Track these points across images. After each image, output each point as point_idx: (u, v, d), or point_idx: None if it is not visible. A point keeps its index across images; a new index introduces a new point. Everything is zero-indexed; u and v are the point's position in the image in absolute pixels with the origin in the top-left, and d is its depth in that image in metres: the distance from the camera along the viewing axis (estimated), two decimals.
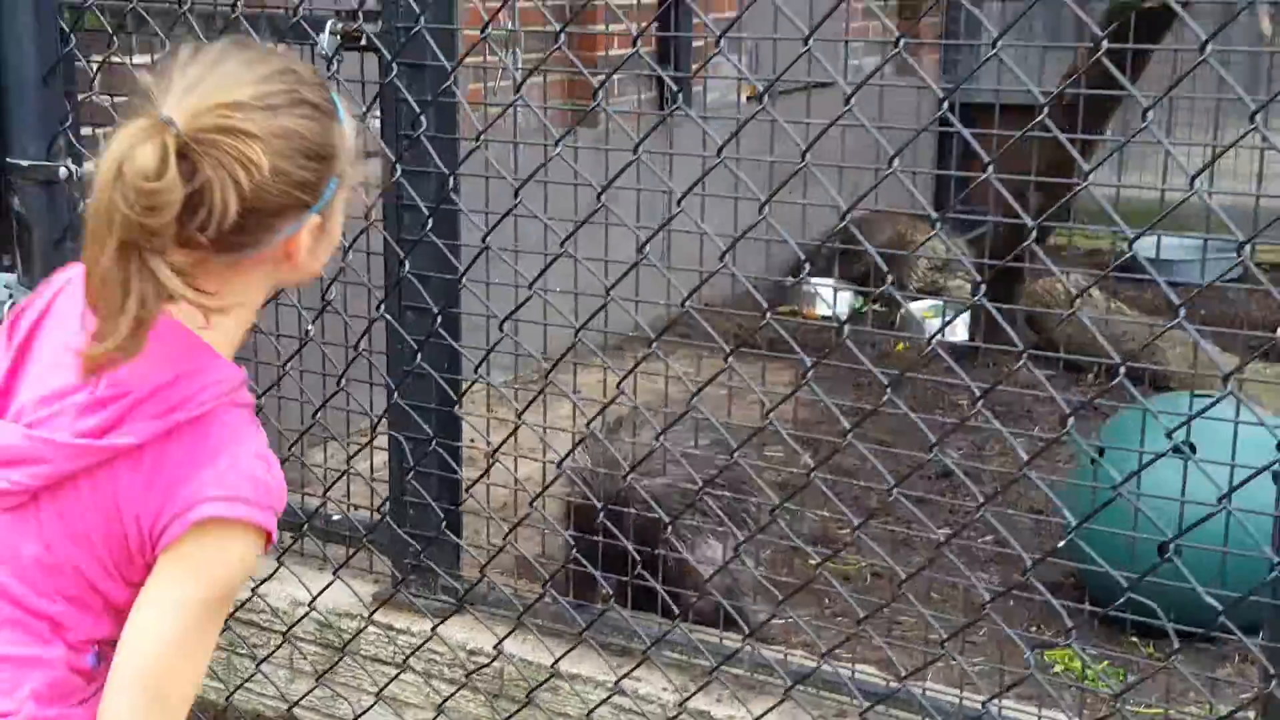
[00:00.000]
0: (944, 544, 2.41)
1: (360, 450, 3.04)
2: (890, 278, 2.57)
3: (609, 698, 2.77)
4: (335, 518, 3.16)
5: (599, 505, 2.78)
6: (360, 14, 2.84)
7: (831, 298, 5.70)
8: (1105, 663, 3.06)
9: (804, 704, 2.63)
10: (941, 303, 5.62)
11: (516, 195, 2.66)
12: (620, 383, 2.60)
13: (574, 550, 2.92)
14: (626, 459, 2.80)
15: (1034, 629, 3.26)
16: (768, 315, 2.42)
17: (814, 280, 5.81)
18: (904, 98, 6.30)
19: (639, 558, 2.77)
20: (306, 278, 1.69)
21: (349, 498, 3.14)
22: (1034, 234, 2.18)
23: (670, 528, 2.74)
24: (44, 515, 1.58)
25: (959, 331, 5.38)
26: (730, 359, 2.48)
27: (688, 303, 2.52)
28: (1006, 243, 4.51)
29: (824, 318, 5.53)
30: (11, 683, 1.58)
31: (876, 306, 5.71)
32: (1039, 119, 2.12)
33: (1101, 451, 3.13)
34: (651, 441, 2.78)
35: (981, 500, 2.42)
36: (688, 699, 2.68)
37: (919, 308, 5.67)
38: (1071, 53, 4.78)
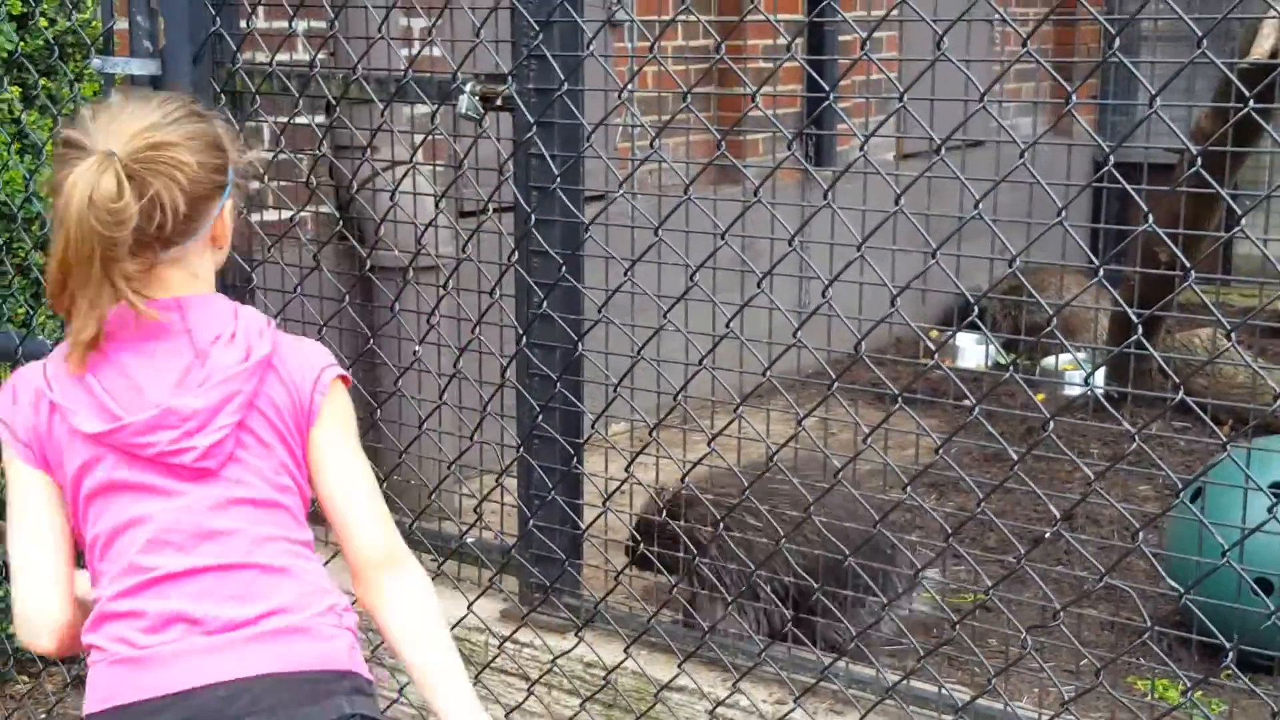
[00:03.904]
0: (1018, 564, 2.54)
1: (492, 490, 3.28)
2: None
3: (715, 709, 2.95)
4: (470, 540, 3.42)
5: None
6: (498, 77, 3.13)
7: (973, 350, 5.81)
8: (1200, 693, 3.13)
9: (894, 717, 2.78)
10: (1082, 355, 5.68)
11: (657, 233, 2.88)
12: (715, 435, 2.80)
13: (673, 589, 3.13)
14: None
15: (1136, 661, 3.34)
16: (855, 353, 2.59)
17: (958, 333, 5.96)
18: (1056, 157, 6.42)
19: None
20: (225, 257, 2.07)
21: (480, 529, 3.39)
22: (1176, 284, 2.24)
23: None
24: (249, 448, 1.94)
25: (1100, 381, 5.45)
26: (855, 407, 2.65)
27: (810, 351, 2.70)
28: (1145, 295, 4.61)
29: (964, 370, 5.64)
30: (324, 584, 1.99)
31: (1020, 359, 5.79)
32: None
33: (1200, 491, 3.23)
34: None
35: (1055, 524, 2.52)
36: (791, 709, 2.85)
37: (1061, 360, 5.74)
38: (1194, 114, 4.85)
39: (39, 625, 1.95)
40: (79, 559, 1.99)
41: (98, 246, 1.81)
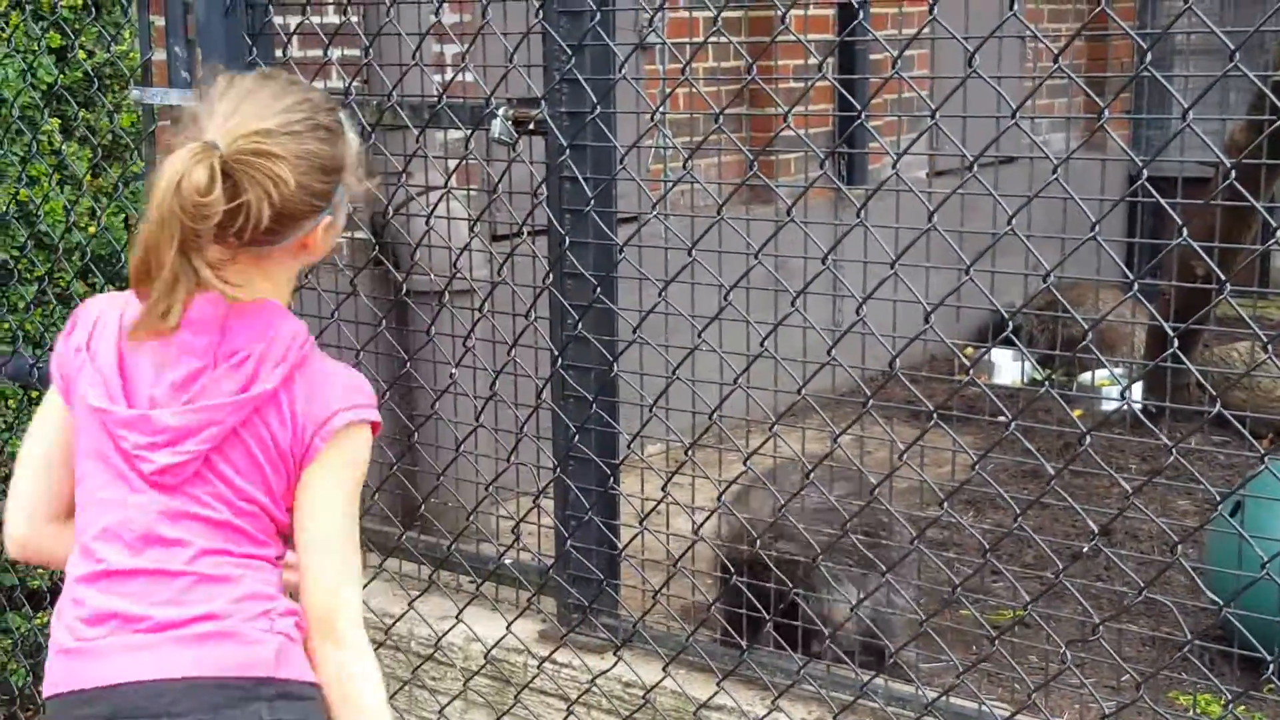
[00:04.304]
0: (1056, 578, 2.53)
1: (529, 511, 3.30)
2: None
3: None
4: (508, 561, 3.44)
5: (733, 568, 2.99)
6: (530, 101, 3.15)
7: (1010, 367, 5.80)
8: (1242, 707, 3.11)
9: None
10: (1119, 370, 5.66)
11: (691, 253, 2.90)
12: (753, 450, 2.81)
13: (711, 608, 3.13)
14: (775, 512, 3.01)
15: (1178, 676, 3.32)
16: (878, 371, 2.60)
17: (995, 350, 5.95)
18: (1090, 172, 6.41)
19: (772, 609, 2.98)
20: (319, 261, 2.07)
21: (518, 550, 3.40)
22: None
23: (804, 576, 2.93)
24: (218, 473, 1.94)
25: (1138, 396, 5.43)
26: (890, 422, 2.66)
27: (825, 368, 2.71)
28: (1181, 309, 4.60)
29: (1001, 387, 5.63)
30: (262, 590, 1.97)
31: (1056, 376, 5.79)
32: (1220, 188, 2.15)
33: (1239, 505, 3.21)
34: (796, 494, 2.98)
35: (1093, 537, 2.52)
36: None
37: (1097, 376, 5.72)
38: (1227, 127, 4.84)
39: (5, 533, 2.11)
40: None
41: (177, 233, 1.81)
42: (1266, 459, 2.22)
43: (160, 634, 1.90)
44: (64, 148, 3.65)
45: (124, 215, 3.74)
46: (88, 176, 3.68)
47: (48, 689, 1.97)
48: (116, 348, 1.97)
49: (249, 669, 1.90)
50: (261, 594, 1.96)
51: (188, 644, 1.89)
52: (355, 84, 3.34)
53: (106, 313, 2.00)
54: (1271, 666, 2.32)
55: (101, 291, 3.63)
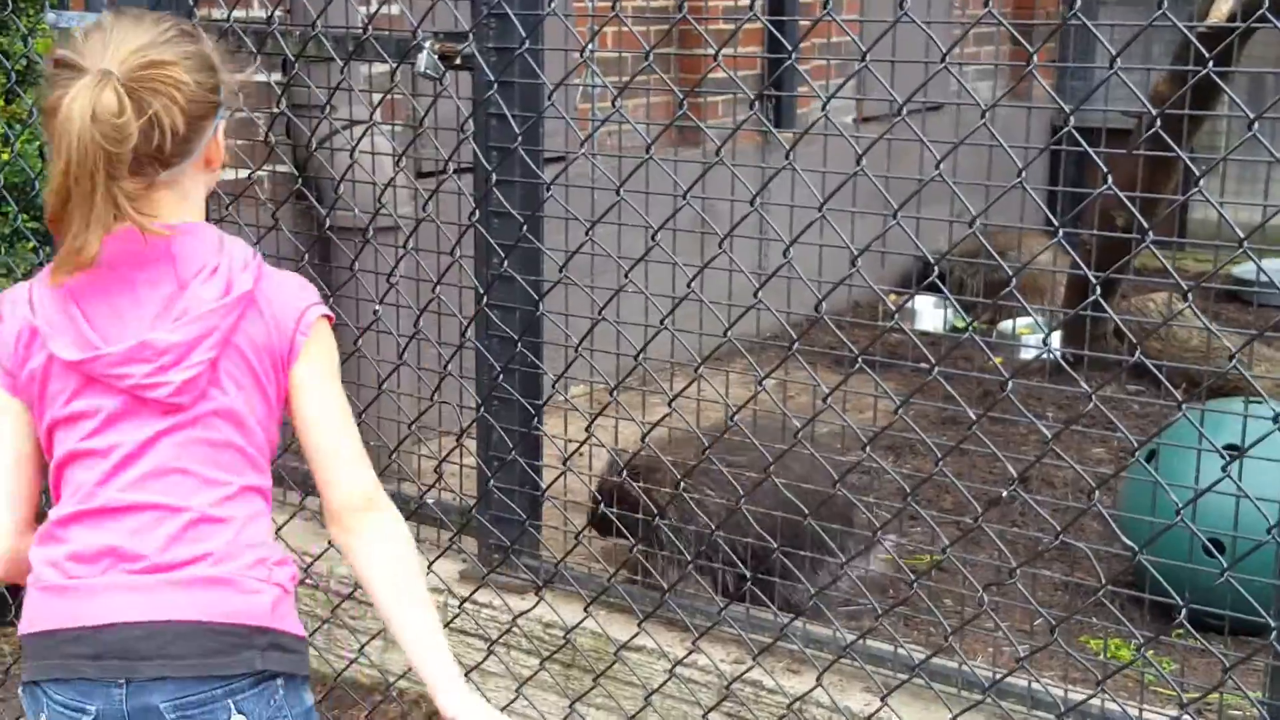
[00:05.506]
0: (976, 523, 2.55)
1: (451, 451, 3.27)
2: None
3: (674, 666, 2.97)
4: (430, 501, 3.42)
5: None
6: (458, 36, 3.11)
7: (931, 314, 5.84)
8: (1151, 651, 3.17)
9: (851, 676, 2.80)
10: (1042, 319, 5.72)
11: (622, 191, 2.88)
12: (675, 397, 2.80)
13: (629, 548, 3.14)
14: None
15: (1090, 621, 3.38)
16: (809, 317, 2.60)
17: (916, 297, 5.98)
18: (1015, 121, 6.45)
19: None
20: (216, 179, 2.05)
21: (440, 490, 3.38)
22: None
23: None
24: (222, 387, 1.92)
25: (1056, 344, 5.48)
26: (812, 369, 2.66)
27: (772, 312, 2.71)
28: (1101, 259, 4.65)
29: (923, 333, 5.67)
30: (259, 536, 1.95)
31: (977, 323, 5.84)
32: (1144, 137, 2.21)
33: (1154, 453, 3.27)
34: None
35: (1015, 482, 2.54)
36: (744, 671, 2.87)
37: (1018, 324, 5.78)
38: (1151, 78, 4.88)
39: None
40: None
41: (101, 163, 1.78)
42: (1184, 408, 2.24)
43: (156, 575, 1.86)
44: None
45: (38, 143, 3.65)
46: (0, 102, 3.59)
47: (27, 626, 1.90)
48: (68, 308, 1.90)
49: (245, 617, 1.88)
50: (257, 541, 1.94)
51: (184, 588, 1.86)
52: (278, 13, 3.28)
53: (23, 294, 1.94)
54: (1182, 612, 2.36)
55: (14, 220, 3.56)
